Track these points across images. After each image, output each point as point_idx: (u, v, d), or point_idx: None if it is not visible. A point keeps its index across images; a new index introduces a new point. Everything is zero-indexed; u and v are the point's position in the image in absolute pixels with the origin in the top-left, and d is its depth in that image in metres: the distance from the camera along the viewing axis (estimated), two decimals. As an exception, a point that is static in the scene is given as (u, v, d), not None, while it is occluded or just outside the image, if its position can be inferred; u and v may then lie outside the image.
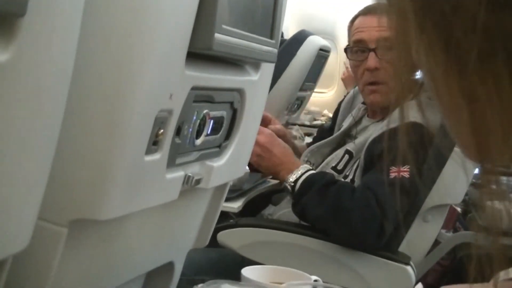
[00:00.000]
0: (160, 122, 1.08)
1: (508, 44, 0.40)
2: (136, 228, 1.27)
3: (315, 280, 1.53)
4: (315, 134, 3.10)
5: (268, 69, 1.47)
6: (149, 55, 0.99)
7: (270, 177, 2.62)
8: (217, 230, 2.29)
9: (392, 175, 2.14)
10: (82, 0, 0.82)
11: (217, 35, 1.10)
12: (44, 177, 0.84)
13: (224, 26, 1.13)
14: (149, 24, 0.98)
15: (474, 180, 2.98)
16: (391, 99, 2.39)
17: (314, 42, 3.50)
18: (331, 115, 5.11)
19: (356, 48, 2.40)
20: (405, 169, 2.15)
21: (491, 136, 0.43)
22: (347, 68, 4.60)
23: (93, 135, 1.00)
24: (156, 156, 1.11)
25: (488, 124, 0.43)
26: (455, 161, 2.22)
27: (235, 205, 2.42)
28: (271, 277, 1.49)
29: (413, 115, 1.91)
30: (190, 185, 1.29)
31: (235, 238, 2.29)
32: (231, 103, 1.36)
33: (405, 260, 2.19)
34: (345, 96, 2.89)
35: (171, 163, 1.18)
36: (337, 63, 5.29)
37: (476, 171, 3.54)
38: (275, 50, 1.40)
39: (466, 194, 2.88)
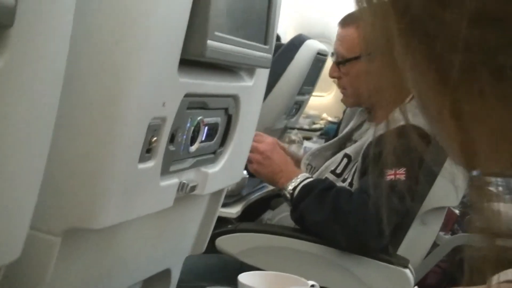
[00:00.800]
0: (153, 130, 1.08)
1: (491, 59, 0.40)
2: (132, 236, 1.27)
3: (312, 285, 1.52)
4: (314, 138, 3.11)
5: (263, 74, 1.47)
6: (141, 64, 0.99)
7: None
8: (215, 236, 2.29)
9: (389, 177, 2.15)
10: (72, 8, 0.82)
11: (210, 42, 1.10)
12: (36, 187, 0.84)
13: (217, 33, 1.12)
14: (141, 32, 0.98)
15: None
16: (352, 103, 2.50)
17: (311, 46, 3.50)
18: (330, 118, 5.12)
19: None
20: (401, 172, 2.15)
21: (478, 149, 0.43)
22: None
23: (85, 144, 1.00)
24: (149, 164, 1.11)
25: (475, 138, 0.43)
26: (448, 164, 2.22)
27: (234, 211, 2.43)
28: (267, 283, 1.48)
29: (410, 117, 1.90)
30: (185, 192, 1.28)
31: (233, 244, 2.29)
32: (226, 109, 1.36)
33: (403, 263, 2.19)
34: None
35: (165, 171, 1.18)
36: (335, 66, 5.27)
37: (474, 172, 3.55)
38: (270, 56, 1.40)
39: (464, 196, 2.88)
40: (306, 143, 3.70)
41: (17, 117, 0.76)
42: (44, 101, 0.82)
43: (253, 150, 2.25)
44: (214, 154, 1.39)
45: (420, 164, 2.19)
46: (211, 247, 2.29)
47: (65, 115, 0.95)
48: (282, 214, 2.61)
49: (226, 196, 2.47)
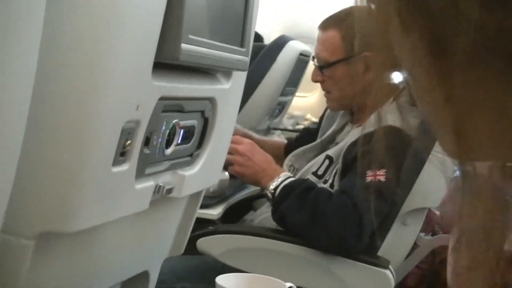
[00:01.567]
0: (127, 133, 1.08)
1: (502, 44, 0.38)
2: (108, 238, 1.27)
3: (290, 287, 1.53)
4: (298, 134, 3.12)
5: (240, 77, 1.48)
6: (114, 67, 0.99)
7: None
8: (197, 237, 2.29)
9: (368, 179, 2.15)
10: (42, 10, 0.82)
11: (184, 45, 1.10)
12: (6, 190, 0.84)
13: (191, 36, 1.13)
14: (114, 35, 0.98)
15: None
16: (336, 106, 2.49)
17: (294, 47, 3.51)
18: (314, 119, 5.12)
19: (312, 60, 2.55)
20: (381, 173, 2.16)
21: (473, 138, 0.42)
22: None
23: (58, 148, 1.00)
24: (124, 167, 1.11)
25: (471, 127, 0.42)
26: (433, 164, 2.22)
27: (215, 212, 2.43)
28: (245, 285, 1.49)
29: (391, 119, 1.91)
30: (161, 195, 1.29)
31: (214, 245, 2.29)
32: (202, 112, 1.36)
33: (384, 264, 2.20)
34: None
35: (140, 174, 1.18)
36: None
37: (456, 173, 3.57)
38: (247, 59, 1.40)
39: (446, 197, 2.89)
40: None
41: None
42: (14, 104, 0.82)
43: (233, 152, 2.25)
44: (191, 157, 1.39)
45: (401, 165, 2.20)
46: (192, 249, 2.30)
47: (37, 118, 0.95)
48: (263, 215, 2.61)
49: (208, 198, 2.49)
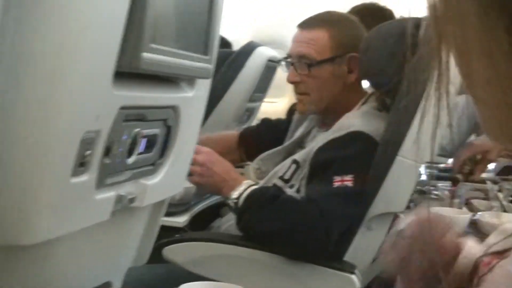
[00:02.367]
0: (87, 143, 1.06)
1: None
2: (68, 249, 1.25)
3: (253, 297, 1.52)
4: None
5: (204, 85, 1.47)
6: (72, 77, 0.98)
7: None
8: (163, 245, 2.27)
9: (336, 184, 2.15)
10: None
11: (144, 54, 1.09)
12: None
13: (152, 45, 1.12)
14: (71, 45, 0.97)
15: (419, 188, 3.01)
16: (312, 110, 2.45)
17: (262, 53, 3.51)
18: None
19: (286, 61, 2.49)
20: (348, 179, 2.16)
21: None
22: None
23: (14, 158, 0.98)
24: (83, 178, 1.09)
25: None
26: (398, 169, 2.23)
27: (181, 220, 2.41)
28: (208, 295, 1.48)
29: (358, 124, 1.92)
30: (124, 205, 1.27)
31: (181, 253, 2.27)
32: (165, 121, 1.35)
33: (350, 269, 2.20)
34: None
35: (101, 184, 1.17)
36: (289, 72, 5.30)
37: (423, 177, 3.57)
38: (210, 66, 1.39)
39: (412, 201, 2.90)
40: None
41: None
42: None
43: (192, 162, 2.23)
44: (153, 166, 1.38)
45: (367, 170, 2.21)
46: (159, 257, 2.28)
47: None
48: (230, 222, 2.60)
49: (174, 205, 2.47)
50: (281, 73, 4.16)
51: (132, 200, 1.30)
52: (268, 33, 5.33)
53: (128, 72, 1.12)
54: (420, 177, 3.57)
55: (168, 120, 1.35)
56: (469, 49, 0.43)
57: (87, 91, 1.01)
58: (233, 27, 5.33)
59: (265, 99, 4.16)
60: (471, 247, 1.05)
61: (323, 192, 2.15)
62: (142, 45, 1.08)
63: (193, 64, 1.31)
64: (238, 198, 2.20)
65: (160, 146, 1.37)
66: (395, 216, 2.63)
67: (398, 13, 2.81)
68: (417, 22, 2.31)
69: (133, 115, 1.20)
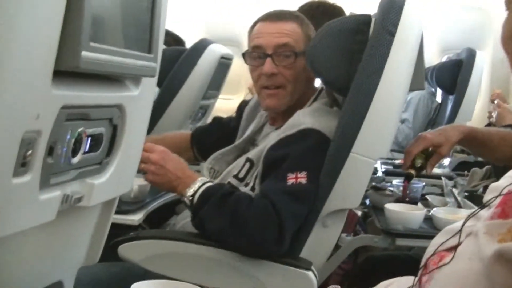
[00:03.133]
0: (27, 143, 1.06)
1: None
2: (14, 250, 1.25)
3: (206, 293, 1.53)
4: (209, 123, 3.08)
5: (149, 83, 1.46)
6: (7, 77, 0.97)
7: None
8: (118, 243, 2.27)
9: (290, 181, 2.16)
10: None
11: (84, 53, 1.09)
12: None
13: (92, 44, 1.11)
14: (5, 44, 0.96)
15: (374, 184, 3.04)
16: (286, 103, 2.44)
17: (215, 50, 3.51)
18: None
19: (255, 54, 2.43)
20: (302, 176, 2.17)
21: None
22: None
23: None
24: (25, 178, 1.09)
25: None
26: (352, 165, 2.25)
27: (136, 218, 2.42)
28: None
29: (310, 121, 1.94)
30: (70, 204, 1.27)
31: (136, 251, 2.27)
32: (110, 120, 1.35)
33: (306, 265, 2.21)
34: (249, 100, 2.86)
35: (45, 184, 1.16)
36: (243, 69, 5.31)
37: (380, 173, 3.61)
38: (154, 64, 1.39)
39: (366, 197, 2.93)
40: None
41: None
42: None
43: (145, 160, 2.23)
44: (100, 165, 1.37)
45: (320, 167, 2.22)
46: (114, 255, 2.27)
47: None
48: (186, 220, 2.60)
49: (129, 203, 2.47)
50: (236, 70, 4.18)
51: (78, 200, 1.30)
52: (219, 30, 5.34)
53: (70, 71, 1.12)
54: (376, 173, 3.61)
55: (113, 119, 1.35)
56: None
57: (24, 90, 1.01)
58: (186, 25, 5.34)
59: (221, 96, 4.16)
60: None
61: (277, 189, 2.16)
62: (81, 44, 1.08)
63: (136, 63, 1.31)
64: (193, 195, 2.20)
65: (106, 145, 1.37)
66: (349, 211, 2.66)
67: (348, 10, 2.82)
68: (367, 19, 2.34)
69: (75, 114, 1.20)
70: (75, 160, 1.25)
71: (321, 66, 2.31)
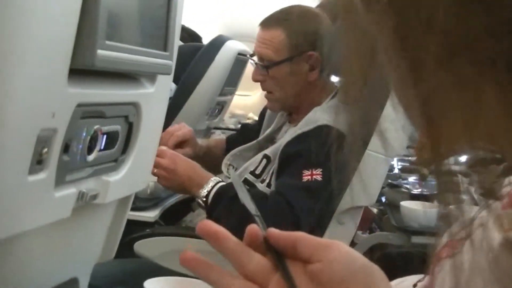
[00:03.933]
0: (43, 141, 1.06)
1: (471, 45, 0.36)
2: (30, 246, 1.25)
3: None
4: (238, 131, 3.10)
5: (165, 80, 1.47)
6: (24, 75, 0.98)
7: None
8: (134, 240, 2.28)
9: (305, 178, 2.16)
10: None
11: (100, 51, 1.09)
12: None
13: (108, 42, 1.12)
14: (22, 43, 0.97)
15: (390, 181, 3.03)
16: (279, 107, 2.47)
17: (232, 47, 3.50)
18: (256, 117, 5.14)
19: (251, 59, 2.51)
20: (317, 172, 2.16)
21: (445, 140, 0.42)
22: None
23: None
24: (41, 176, 1.09)
25: (444, 128, 0.41)
26: (367, 163, 2.24)
27: (152, 214, 2.42)
28: (173, 289, 1.48)
29: (326, 118, 1.93)
30: (85, 201, 1.27)
31: (151, 248, 2.28)
32: (126, 117, 1.35)
33: (321, 263, 2.20)
34: None
35: (61, 181, 1.17)
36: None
37: (396, 170, 3.59)
38: (170, 62, 1.40)
39: (382, 195, 2.92)
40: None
41: None
42: None
43: (156, 166, 2.24)
44: (115, 162, 1.38)
45: (336, 164, 2.21)
46: (130, 252, 2.29)
47: None
48: (201, 216, 2.61)
49: (145, 200, 2.48)
50: (252, 67, 4.17)
51: (94, 197, 1.30)
52: (235, 26, 5.33)
53: (86, 69, 1.12)
54: (392, 170, 3.60)
55: (129, 117, 1.36)
56: None
57: (40, 88, 1.01)
58: (201, 21, 5.34)
59: (237, 93, 4.16)
60: None
61: (292, 186, 2.16)
62: (96, 42, 1.08)
63: (152, 61, 1.31)
64: (206, 196, 2.20)
65: (122, 143, 1.37)
66: (365, 209, 2.66)
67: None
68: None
69: (91, 112, 1.20)
70: (90, 157, 1.25)
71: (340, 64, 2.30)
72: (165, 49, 1.37)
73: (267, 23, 2.41)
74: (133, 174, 1.44)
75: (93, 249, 1.56)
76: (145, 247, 2.28)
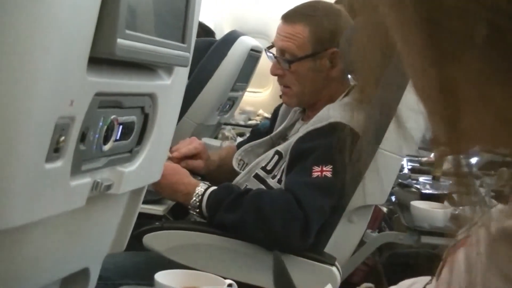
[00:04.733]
0: (61, 129, 1.06)
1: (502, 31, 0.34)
2: (44, 235, 1.25)
3: (229, 285, 1.53)
4: (248, 135, 3.10)
5: (182, 73, 1.46)
6: (45, 62, 0.98)
7: (199, 178, 2.61)
8: (143, 233, 2.28)
9: (315, 174, 2.15)
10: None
11: (120, 40, 1.09)
12: None
13: (128, 31, 1.11)
14: (45, 29, 0.97)
15: (400, 181, 3.02)
16: (295, 102, 2.46)
17: (245, 42, 3.50)
18: (266, 114, 5.14)
19: (269, 53, 2.47)
20: (328, 169, 2.16)
21: (466, 131, 0.39)
22: None
23: (-14, 143, 0.98)
24: (58, 164, 1.09)
25: (466, 120, 0.39)
26: (378, 161, 2.24)
27: (161, 208, 2.41)
28: (184, 282, 1.48)
29: (339, 115, 1.93)
30: (100, 191, 1.27)
31: (160, 241, 2.28)
32: (142, 108, 1.35)
33: (330, 260, 2.20)
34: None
35: (76, 170, 1.16)
36: (272, 62, 5.30)
37: (406, 170, 3.59)
38: (188, 54, 1.39)
39: (392, 194, 2.91)
40: (240, 139, 3.70)
41: None
42: None
43: None
44: (130, 153, 1.37)
45: (347, 162, 2.21)
46: (139, 245, 2.28)
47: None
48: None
49: (155, 193, 2.47)
50: (265, 63, 4.17)
51: (108, 187, 1.30)
52: (248, 22, 5.33)
53: (104, 59, 1.12)
54: (402, 170, 3.59)
55: (145, 108, 1.35)
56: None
57: (60, 76, 1.01)
58: (216, 16, 5.34)
59: (249, 89, 4.16)
60: None
61: (301, 183, 2.15)
62: (117, 31, 1.08)
63: (170, 52, 1.31)
64: (200, 202, 2.21)
65: (137, 134, 1.37)
66: (375, 208, 2.65)
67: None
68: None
69: (108, 101, 1.20)
70: (106, 147, 1.25)
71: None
72: (183, 41, 1.37)
73: (291, 18, 2.39)
74: (147, 166, 1.44)
75: (105, 240, 1.56)
76: (154, 240, 2.27)
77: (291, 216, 2.08)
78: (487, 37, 0.34)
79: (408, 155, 3.61)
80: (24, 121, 0.98)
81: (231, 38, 3.47)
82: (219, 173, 2.59)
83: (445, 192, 2.95)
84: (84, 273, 1.53)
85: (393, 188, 2.76)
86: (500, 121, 0.38)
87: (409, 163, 3.95)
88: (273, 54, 2.43)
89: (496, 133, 0.39)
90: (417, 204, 2.66)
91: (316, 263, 2.18)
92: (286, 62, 2.37)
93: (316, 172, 2.16)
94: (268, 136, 2.59)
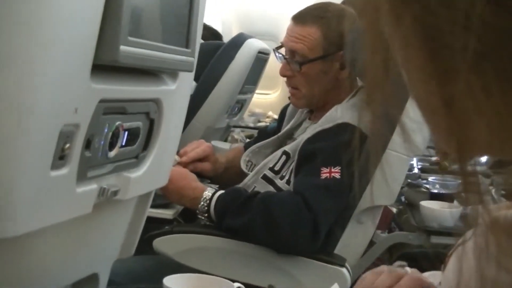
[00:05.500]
0: (65, 136, 1.07)
1: (504, 47, 0.34)
2: (50, 242, 1.26)
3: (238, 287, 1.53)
4: (256, 135, 3.10)
5: (186, 77, 1.47)
6: (48, 70, 0.98)
7: (208, 181, 2.62)
8: (153, 237, 2.28)
9: (323, 175, 2.15)
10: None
11: (123, 47, 1.10)
12: None
13: (131, 38, 1.12)
14: (47, 38, 0.97)
15: (409, 181, 3.02)
16: (304, 104, 2.45)
17: (252, 45, 3.50)
18: (275, 116, 5.14)
19: (278, 53, 2.47)
20: (336, 170, 2.15)
21: (470, 142, 0.40)
22: None
23: (-8, 152, 0.99)
24: (63, 171, 1.10)
25: (469, 132, 0.39)
26: (387, 162, 2.23)
27: (171, 212, 2.42)
28: (192, 285, 1.49)
29: (347, 116, 1.93)
30: (106, 197, 1.28)
31: (170, 245, 2.28)
32: (147, 114, 1.35)
33: (340, 262, 2.20)
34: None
35: (82, 177, 1.17)
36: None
37: (416, 170, 3.58)
38: (192, 59, 1.40)
39: (401, 194, 2.91)
40: (249, 142, 3.71)
41: None
42: None
43: None
44: (136, 159, 1.38)
45: (355, 162, 2.20)
46: (149, 249, 2.29)
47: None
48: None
49: (164, 197, 2.48)
50: (274, 65, 4.18)
51: (115, 193, 1.30)
52: (257, 23, 5.33)
53: (108, 65, 1.13)
54: (412, 170, 3.59)
55: (150, 113, 1.36)
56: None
57: (64, 84, 1.02)
58: (223, 18, 5.34)
59: (257, 91, 4.16)
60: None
61: (310, 184, 2.15)
62: (120, 38, 1.08)
63: (174, 57, 1.31)
64: (208, 206, 2.21)
65: (143, 139, 1.37)
66: (385, 208, 2.65)
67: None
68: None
69: (113, 108, 1.20)
70: (112, 153, 1.25)
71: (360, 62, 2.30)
72: (187, 46, 1.37)
73: (302, 19, 2.38)
74: (154, 171, 1.44)
75: (113, 245, 1.57)
76: (164, 244, 2.28)
77: (300, 219, 2.08)
78: (480, 51, 0.34)
79: (417, 155, 3.61)
80: (28, 129, 0.99)
81: (238, 41, 3.47)
82: (227, 175, 2.59)
83: (455, 191, 2.95)
84: (93, 278, 1.54)
85: (402, 188, 2.76)
86: (504, 130, 0.38)
87: (419, 163, 3.94)
88: (283, 55, 2.43)
89: (502, 144, 0.40)
90: (426, 204, 2.66)
91: (326, 264, 2.19)
92: (297, 64, 2.37)
93: (325, 173, 2.15)
94: (276, 136, 2.59)
